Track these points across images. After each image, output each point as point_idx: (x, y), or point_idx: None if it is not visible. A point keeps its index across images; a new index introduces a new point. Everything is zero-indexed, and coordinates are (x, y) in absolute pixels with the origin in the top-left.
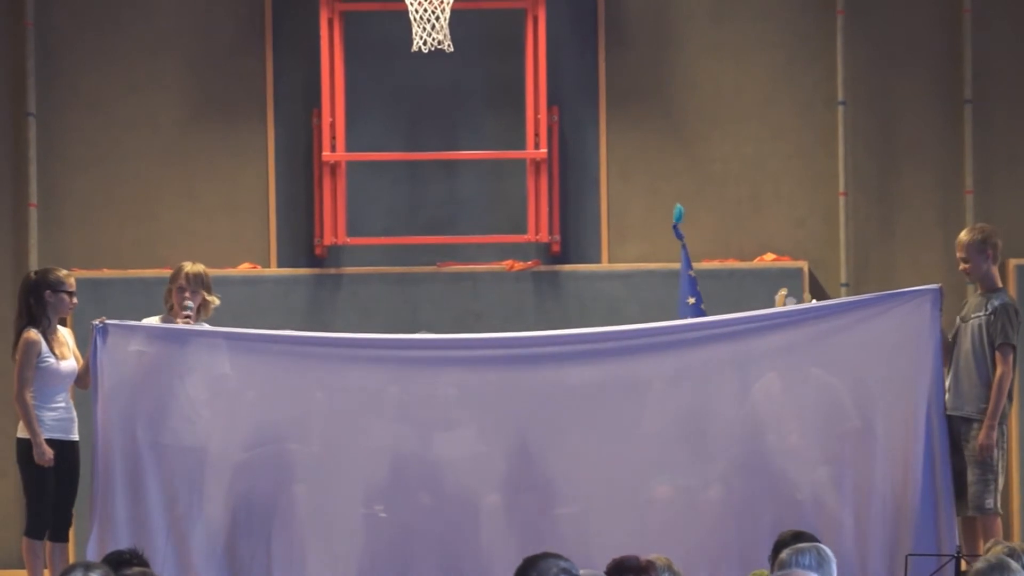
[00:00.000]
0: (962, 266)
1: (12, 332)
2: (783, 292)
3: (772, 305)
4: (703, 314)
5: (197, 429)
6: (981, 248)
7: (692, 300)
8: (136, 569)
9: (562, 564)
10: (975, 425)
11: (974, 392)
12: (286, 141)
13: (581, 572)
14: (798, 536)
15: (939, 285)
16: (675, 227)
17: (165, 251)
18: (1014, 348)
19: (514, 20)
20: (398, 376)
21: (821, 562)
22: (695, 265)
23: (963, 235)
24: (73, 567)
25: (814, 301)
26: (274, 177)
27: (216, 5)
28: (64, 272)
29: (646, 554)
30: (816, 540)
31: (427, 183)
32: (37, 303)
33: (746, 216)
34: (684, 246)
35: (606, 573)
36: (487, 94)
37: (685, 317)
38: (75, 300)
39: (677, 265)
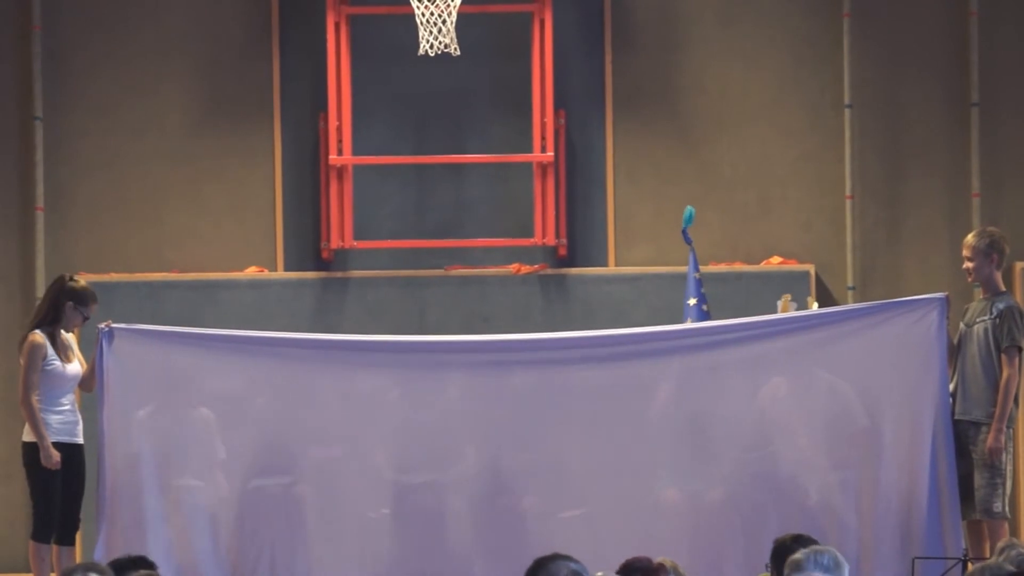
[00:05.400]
0: (967, 264)
1: (20, 335)
2: (787, 298)
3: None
4: (705, 315)
5: (202, 432)
6: (987, 252)
7: (694, 301)
8: (142, 572)
9: (572, 566)
10: (984, 429)
11: (983, 396)
12: (293, 145)
13: (597, 574)
14: (798, 539)
15: (946, 294)
16: (684, 232)
17: (172, 254)
18: (1020, 350)
19: (521, 23)
20: (403, 378)
21: (835, 565)
22: (703, 268)
23: (970, 237)
24: (72, 569)
25: (816, 306)
26: (281, 181)
27: (223, 9)
28: (92, 293)
29: (652, 556)
30: (816, 543)
31: (434, 186)
32: (64, 304)
33: (753, 219)
34: (692, 249)
35: (617, 574)
36: (494, 97)
37: (688, 317)
38: (85, 322)
39: (684, 268)
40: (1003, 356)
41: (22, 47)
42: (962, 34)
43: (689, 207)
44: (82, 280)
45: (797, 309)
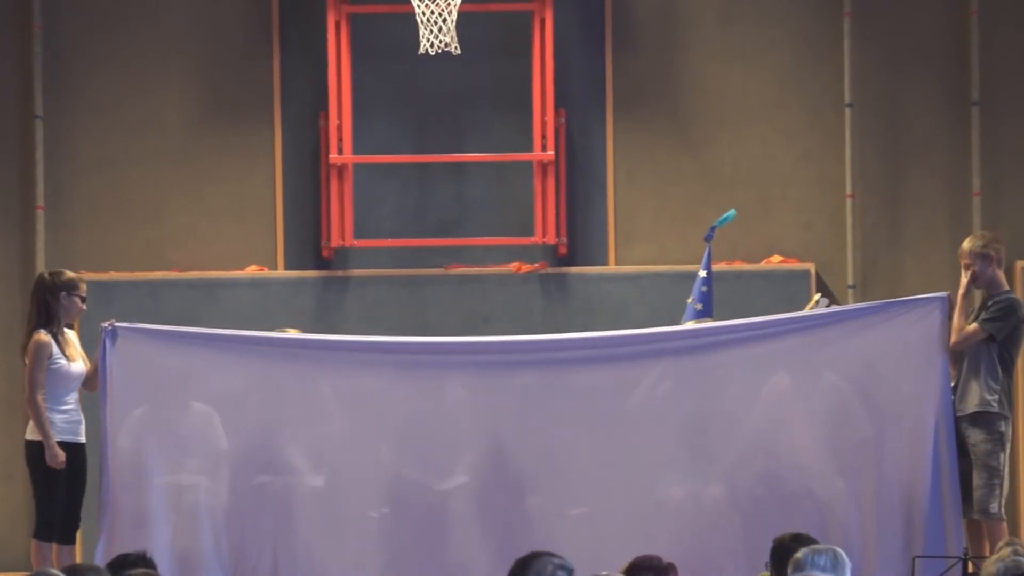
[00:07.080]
0: (971, 271)
1: (20, 334)
2: (816, 297)
3: (780, 308)
4: (695, 313)
5: (204, 430)
6: (986, 253)
7: (690, 299)
8: (140, 570)
9: (556, 561)
10: (977, 424)
11: (979, 389)
12: (293, 143)
13: (602, 574)
14: (797, 538)
15: (947, 293)
16: (712, 228)
17: (173, 254)
18: (987, 335)
19: (521, 22)
20: (405, 378)
21: (836, 564)
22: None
23: (966, 243)
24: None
25: (832, 305)
26: (281, 179)
27: (224, 8)
28: (76, 275)
29: (653, 555)
30: (815, 542)
31: (434, 185)
32: (54, 303)
33: (753, 218)
34: (709, 248)
35: (626, 571)
36: (494, 96)
37: (686, 314)
38: (85, 305)
39: (684, 267)
40: (976, 323)
41: (22, 46)
42: (963, 33)
43: (732, 211)
44: (60, 271)
45: (825, 306)
